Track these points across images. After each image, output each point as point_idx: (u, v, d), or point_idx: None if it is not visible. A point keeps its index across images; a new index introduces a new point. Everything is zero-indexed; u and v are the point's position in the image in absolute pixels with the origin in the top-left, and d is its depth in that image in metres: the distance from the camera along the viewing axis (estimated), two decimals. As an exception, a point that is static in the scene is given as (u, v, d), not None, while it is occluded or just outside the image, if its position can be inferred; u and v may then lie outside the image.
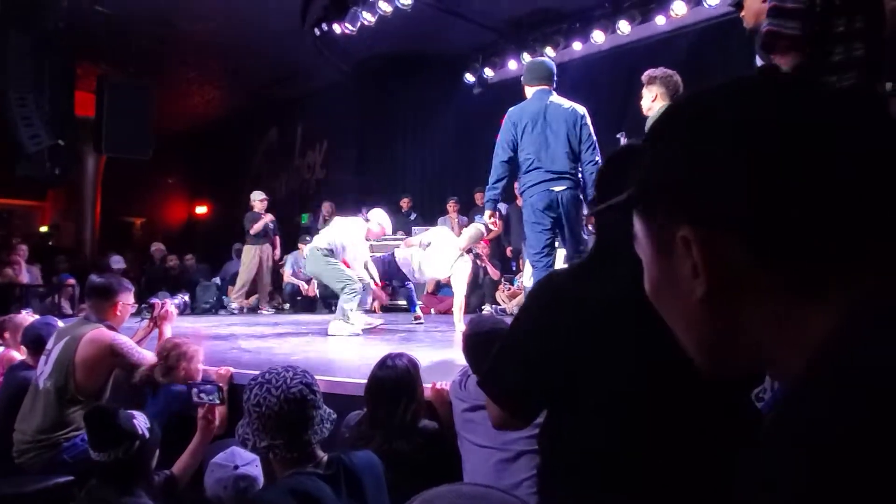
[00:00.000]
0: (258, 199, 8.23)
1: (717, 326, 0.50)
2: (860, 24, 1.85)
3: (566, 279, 1.26)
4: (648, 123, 3.35)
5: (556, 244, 4.02)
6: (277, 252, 8.35)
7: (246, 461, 2.12)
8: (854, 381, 0.38)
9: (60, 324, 3.23)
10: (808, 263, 0.45)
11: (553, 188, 3.67)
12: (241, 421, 1.62)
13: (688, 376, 0.72)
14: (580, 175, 3.75)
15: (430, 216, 8.99)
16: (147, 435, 1.98)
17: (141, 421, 1.99)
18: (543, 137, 3.71)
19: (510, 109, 3.88)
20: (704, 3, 6.69)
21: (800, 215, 0.44)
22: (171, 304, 3.25)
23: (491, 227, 4.09)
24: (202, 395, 2.37)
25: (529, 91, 3.92)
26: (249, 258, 7.93)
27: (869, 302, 0.42)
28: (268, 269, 8.11)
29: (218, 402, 2.37)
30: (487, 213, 3.98)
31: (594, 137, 3.81)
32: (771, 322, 0.47)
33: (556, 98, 3.86)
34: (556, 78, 3.95)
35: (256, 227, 7.96)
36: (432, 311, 7.76)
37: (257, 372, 1.65)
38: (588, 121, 3.82)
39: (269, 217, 8.07)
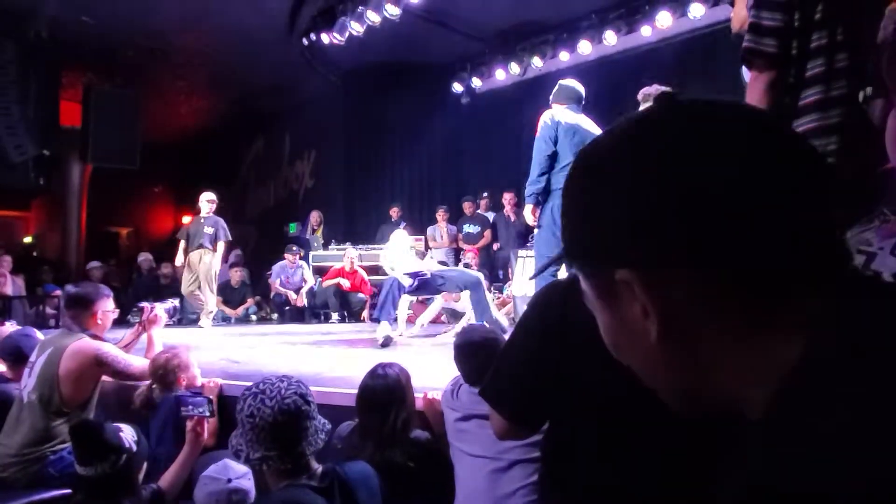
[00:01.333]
0: (206, 199, 7.24)
1: (682, 366, 0.49)
2: (841, 35, 1.87)
3: (564, 288, 1.26)
4: None
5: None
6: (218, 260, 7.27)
7: (238, 474, 2.10)
8: (815, 425, 0.38)
9: (40, 335, 3.18)
10: (756, 294, 0.44)
11: None
12: (234, 432, 1.60)
13: None
14: None
15: (418, 225, 9.00)
16: (134, 448, 1.95)
17: (128, 434, 1.96)
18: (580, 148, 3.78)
19: (547, 111, 3.93)
20: (689, 15, 6.78)
21: (737, 246, 0.43)
22: (161, 308, 3.23)
23: (531, 222, 4.02)
24: (192, 407, 2.35)
25: (559, 109, 3.98)
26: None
27: (827, 332, 0.41)
28: (203, 276, 7.05)
29: (208, 414, 2.34)
30: (529, 206, 3.89)
31: None
32: (732, 357, 0.46)
33: (585, 120, 3.97)
34: (584, 101, 4.05)
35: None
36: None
37: (247, 383, 1.64)
38: None
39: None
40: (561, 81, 4.18)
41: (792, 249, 0.43)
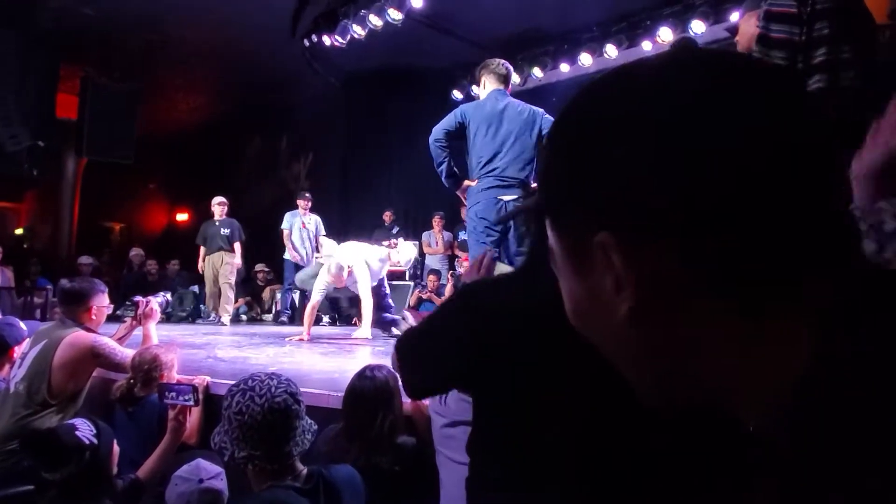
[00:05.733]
0: (217, 203, 7.69)
1: (654, 351, 0.42)
2: (847, 54, 1.86)
3: (484, 287, 1.23)
4: None
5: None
6: (238, 260, 7.69)
7: (211, 474, 2.05)
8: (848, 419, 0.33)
9: (22, 325, 3.15)
10: (755, 280, 0.37)
11: (503, 197, 3.39)
12: (217, 428, 1.55)
13: (612, 386, 0.67)
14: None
15: (414, 230, 8.98)
16: (96, 442, 1.89)
17: (85, 430, 1.90)
18: (500, 141, 3.47)
19: (462, 105, 3.68)
20: (690, 32, 6.82)
21: (738, 220, 0.37)
22: (155, 301, 3.20)
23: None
24: (175, 395, 2.30)
25: (483, 92, 3.72)
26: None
27: (845, 331, 0.36)
28: (225, 277, 7.45)
29: (192, 403, 2.30)
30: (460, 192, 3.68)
31: None
32: (721, 352, 0.39)
33: (513, 100, 3.62)
34: (511, 81, 3.77)
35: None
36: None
37: (233, 381, 1.60)
38: (547, 122, 3.57)
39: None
40: (487, 60, 3.83)
41: (803, 231, 0.37)
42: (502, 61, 3.82)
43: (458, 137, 3.58)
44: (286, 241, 7.69)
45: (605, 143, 0.41)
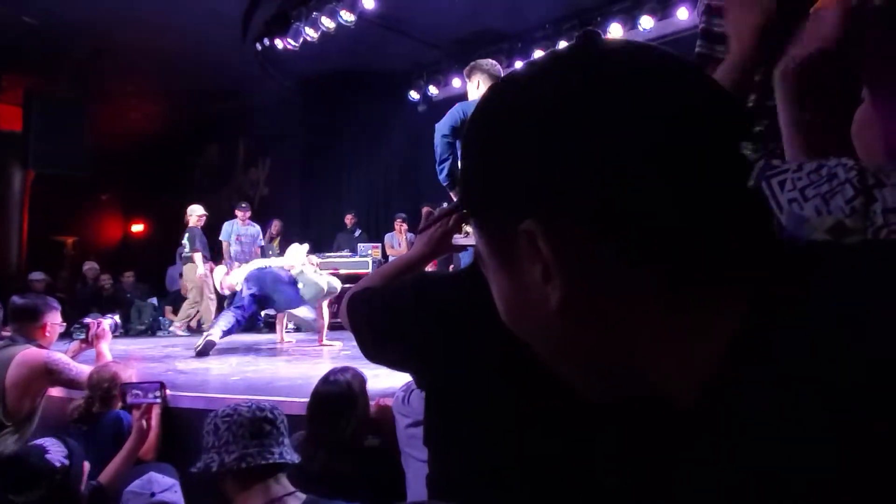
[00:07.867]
0: (201, 212, 7.63)
1: (585, 341, 0.42)
2: (788, 45, 1.93)
3: (432, 279, 1.22)
4: None
5: None
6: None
7: (164, 487, 2.01)
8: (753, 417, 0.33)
9: None
10: (678, 266, 0.38)
11: None
12: (201, 455, 1.57)
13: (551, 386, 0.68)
14: None
15: (375, 233, 8.95)
16: (67, 463, 1.83)
17: (56, 452, 1.84)
18: None
19: (460, 104, 3.69)
20: (639, 28, 6.97)
21: (655, 208, 0.37)
22: (105, 322, 3.14)
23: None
24: (141, 393, 2.25)
25: (475, 92, 3.71)
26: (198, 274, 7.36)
27: (761, 310, 0.36)
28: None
29: (159, 400, 2.26)
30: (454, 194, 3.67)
31: None
32: (649, 337, 0.39)
33: None
34: None
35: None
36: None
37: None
38: None
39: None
40: (479, 60, 3.82)
41: (718, 217, 0.38)
42: (493, 61, 3.84)
43: (460, 135, 3.63)
44: (224, 253, 7.51)
45: (519, 133, 0.41)
